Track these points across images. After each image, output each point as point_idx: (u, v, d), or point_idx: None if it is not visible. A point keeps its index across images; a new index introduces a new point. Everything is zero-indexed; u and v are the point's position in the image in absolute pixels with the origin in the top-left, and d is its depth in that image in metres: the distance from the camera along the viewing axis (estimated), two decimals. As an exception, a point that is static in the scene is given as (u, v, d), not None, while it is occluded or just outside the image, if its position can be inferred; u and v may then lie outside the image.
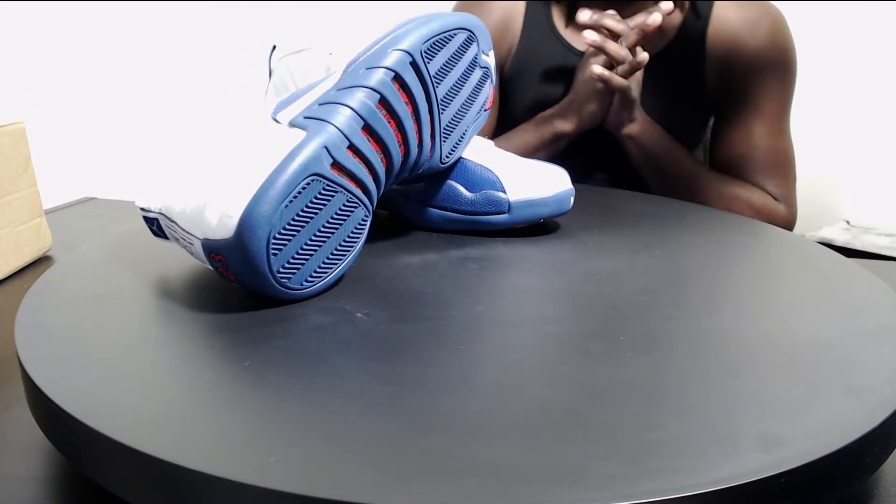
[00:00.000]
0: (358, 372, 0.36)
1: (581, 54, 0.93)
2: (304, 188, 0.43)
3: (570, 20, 0.95)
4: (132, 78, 1.52)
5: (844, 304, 0.46)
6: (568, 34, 0.95)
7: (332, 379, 0.35)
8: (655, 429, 0.31)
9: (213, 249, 0.43)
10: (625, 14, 0.93)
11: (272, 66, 0.63)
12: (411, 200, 0.60)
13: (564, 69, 0.94)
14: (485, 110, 0.58)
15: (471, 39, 0.54)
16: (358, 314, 0.43)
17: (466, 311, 0.43)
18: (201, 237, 0.43)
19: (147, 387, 0.35)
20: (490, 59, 0.58)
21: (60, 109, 1.51)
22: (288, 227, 0.42)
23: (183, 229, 0.45)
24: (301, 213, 0.43)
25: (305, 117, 0.46)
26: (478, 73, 0.56)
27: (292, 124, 0.46)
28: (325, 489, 0.27)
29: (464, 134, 0.56)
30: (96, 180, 1.50)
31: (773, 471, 0.28)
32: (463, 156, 0.59)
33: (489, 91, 0.58)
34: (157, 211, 0.47)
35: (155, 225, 0.48)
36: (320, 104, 0.46)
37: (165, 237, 0.49)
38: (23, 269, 0.70)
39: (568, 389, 0.34)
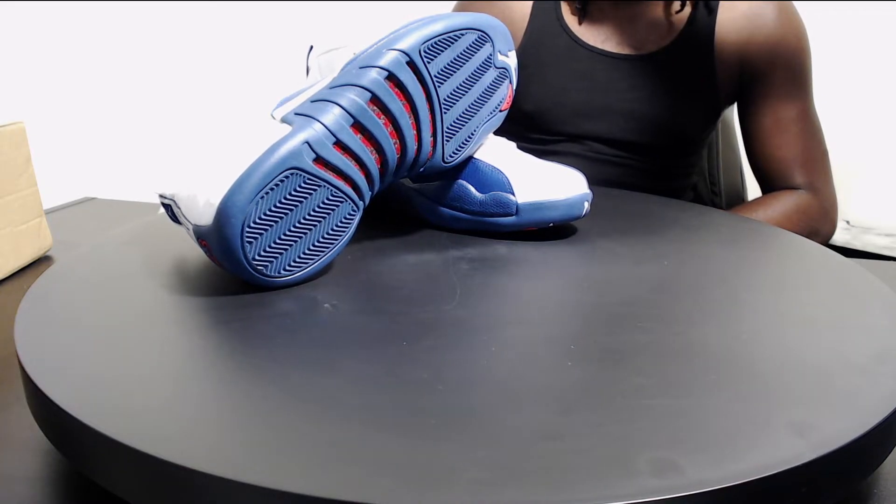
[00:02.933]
0: (289, 358, 0.37)
1: (591, 49, 0.93)
2: (281, 181, 0.44)
3: (584, 17, 0.95)
4: (132, 78, 1.52)
5: (838, 318, 0.43)
6: (581, 31, 0.94)
7: (264, 362, 0.37)
8: (553, 440, 0.30)
9: (200, 235, 0.46)
10: (633, 13, 0.94)
11: (309, 65, 0.63)
12: (425, 198, 0.61)
13: (573, 61, 0.93)
14: (500, 111, 0.58)
15: (483, 40, 0.54)
16: (325, 304, 0.44)
17: (432, 309, 0.44)
18: (193, 223, 0.46)
19: (147, 386, 0.35)
20: (509, 60, 0.57)
21: (60, 109, 1.52)
22: (264, 216, 0.44)
23: (184, 215, 0.48)
24: (279, 205, 0.45)
25: (296, 113, 0.48)
26: (492, 74, 0.56)
27: (283, 120, 0.48)
28: (203, 464, 0.29)
29: (472, 134, 0.56)
30: (96, 180, 1.50)
31: (653, 496, 0.27)
32: (476, 156, 0.59)
33: (507, 91, 0.58)
34: (169, 197, 0.50)
35: (169, 210, 0.51)
36: (312, 101, 0.48)
37: (179, 222, 0.51)
38: (23, 269, 0.70)
39: (485, 392, 0.34)
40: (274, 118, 0.49)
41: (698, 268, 0.52)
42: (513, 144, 0.62)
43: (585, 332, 0.41)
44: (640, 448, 0.30)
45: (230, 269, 0.45)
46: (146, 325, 0.42)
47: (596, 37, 0.93)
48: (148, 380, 0.35)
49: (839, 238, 1.33)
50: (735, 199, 1.14)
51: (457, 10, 1.02)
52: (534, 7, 0.96)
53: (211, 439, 0.30)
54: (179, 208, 0.48)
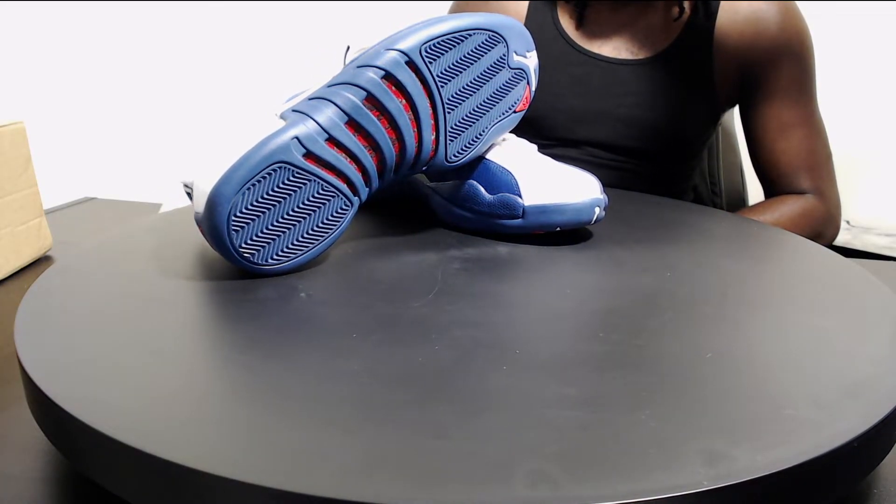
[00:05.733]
0: (235, 342, 0.39)
1: (587, 54, 0.92)
2: (269, 173, 0.46)
3: (581, 22, 0.93)
4: (132, 78, 1.52)
5: (828, 337, 0.40)
6: (577, 36, 0.92)
7: (217, 345, 0.39)
8: (444, 440, 0.30)
9: (197, 221, 0.49)
10: (630, 17, 0.93)
11: (345, 64, 0.64)
12: (440, 197, 0.61)
13: (569, 66, 0.92)
14: (515, 112, 0.57)
15: (494, 40, 0.54)
16: (301, 294, 0.46)
17: (400, 305, 0.44)
18: (195, 210, 0.49)
19: (147, 386, 0.35)
20: (527, 60, 0.57)
21: (60, 109, 1.52)
22: (251, 207, 0.47)
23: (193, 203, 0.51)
24: (266, 196, 0.47)
25: (293, 110, 0.49)
26: (505, 74, 0.56)
27: (280, 116, 0.50)
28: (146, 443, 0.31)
29: (480, 134, 0.56)
30: (96, 180, 1.50)
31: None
32: (488, 156, 0.58)
33: (523, 92, 0.57)
34: (189, 185, 0.53)
35: (190, 198, 0.54)
36: (309, 99, 0.50)
37: None
38: (23, 269, 0.70)
39: (405, 388, 0.34)
40: (275, 115, 0.51)
41: (701, 280, 0.50)
42: (533, 147, 0.61)
43: (540, 339, 0.40)
44: (527, 457, 0.29)
45: (221, 254, 0.48)
46: (146, 323, 0.42)
47: (592, 41, 0.92)
48: (148, 378, 0.35)
49: (839, 238, 1.33)
50: (736, 200, 1.14)
51: (452, 10, 1.02)
52: (529, 9, 0.96)
53: (209, 437, 0.30)
54: (193, 196, 0.51)
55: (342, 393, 0.34)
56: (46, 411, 0.34)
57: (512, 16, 0.96)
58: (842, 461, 0.31)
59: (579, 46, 0.93)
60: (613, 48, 0.92)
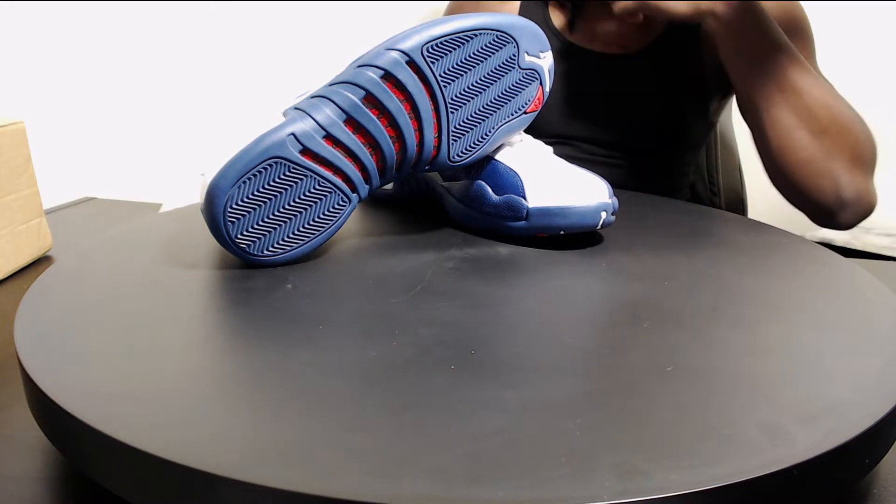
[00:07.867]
0: (205, 326, 0.41)
1: (579, 50, 0.91)
2: (265, 168, 0.48)
3: (573, 26, 0.92)
4: (132, 78, 1.52)
5: (816, 352, 0.37)
6: (569, 33, 0.90)
7: (201, 338, 0.41)
8: (356, 432, 0.30)
9: (201, 211, 0.51)
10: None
11: None
12: (452, 197, 0.61)
13: (561, 63, 0.91)
14: (525, 113, 0.57)
15: (503, 41, 0.54)
16: (288, 285, 0.47)
17: (378, 302, 0.45)
18: (200, 201, 0.51)
19: (147, 385, 0.35)
20: (541, 61, 0.56)
21: (60, 109, 1.52)
22: (247, 199, 0.49)
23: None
24: (262, 190, 0.49)
25: (294, 108, 0.51)
26: (515, 75, 0.55)
27: (283, 113, 0.51)
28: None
29: (486, 135, 0.55)
30: (96, 180, 1.50)
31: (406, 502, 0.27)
32: (497, 157, 0.58)
33: (535, 93, 0.57)
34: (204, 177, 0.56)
35: None
36: (311, 97, 0.51)
37: None
38: (23, 269, 0.70)
39: (346, 382, 0.35)
40: (280, 113, 0.52)
41: (697, 291, 0.48)
42: (549, 149, 0.60)
43: (502, 341, 0.39)
44: (431, 456, 0.29)
45: (219, 243, 0.50)
46: (145, 323, 0.42)
47: (583, 37, 0.90)
48: (147, 377, 0.35)
49: (839, 238, 1.32)
50: (734, 199, 1.13)
51: (448, 11, 1.02)
52: (521, 8, 0.96)
53: (209, 437, 0.30)
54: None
55: (281, 381, 0.35)
56: (46, 411, 0.34)
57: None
58: (770, 489, 0.29)
59: (570, 43, 0.93)
60: (604, 43, 0.91)
